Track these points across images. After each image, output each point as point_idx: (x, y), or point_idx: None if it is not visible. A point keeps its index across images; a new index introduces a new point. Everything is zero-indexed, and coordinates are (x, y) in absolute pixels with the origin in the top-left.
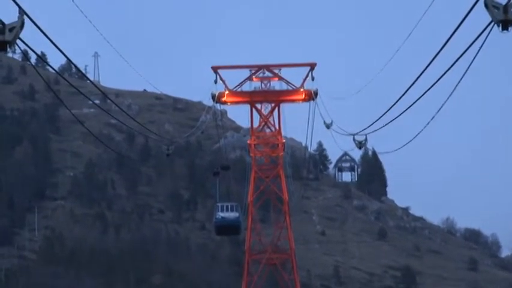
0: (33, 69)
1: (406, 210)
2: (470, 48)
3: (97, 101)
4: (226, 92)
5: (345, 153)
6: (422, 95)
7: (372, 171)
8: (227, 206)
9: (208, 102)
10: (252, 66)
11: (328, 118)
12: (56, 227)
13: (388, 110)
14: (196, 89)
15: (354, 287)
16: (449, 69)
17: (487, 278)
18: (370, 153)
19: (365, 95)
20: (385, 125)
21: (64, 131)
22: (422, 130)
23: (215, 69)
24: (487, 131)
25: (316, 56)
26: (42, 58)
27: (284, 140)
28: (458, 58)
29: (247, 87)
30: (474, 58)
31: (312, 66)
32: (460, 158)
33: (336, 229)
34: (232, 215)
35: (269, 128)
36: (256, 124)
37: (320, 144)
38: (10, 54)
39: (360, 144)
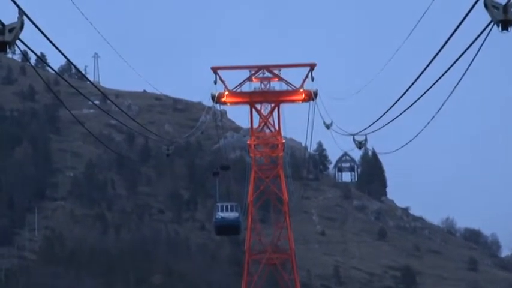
0: (33, 69)
1: (406, 210)
2: (470, 48)
3: (97, 102)
4: (226, 92)
5: (345, 154)
6: (422, 95)
7: (371, 172)
8: (227, 206)
9: (208, 102)
10: (252, 67)
11: (328, 118)
12: (56, 227)
13: (388, 110)
14: (196, 89)
15: (354, 287)
16: (449, 69)
17: (487, 278)
18: (370, 153)
19: (365, 95)
20: (385, 125)
21: (64, 131)
22: (422, 130)
23: (215, 69)
24: (487, 131)
25: (316, 56)
26: (42, 59)
27: (284, 140)
28: (458, 58)
29: (247, 87)
30: (474, 58)
31: (312, 67)
32: (460, 158)
33: (335, 229)
34: (232, 215)
35: (269, 128)
36: (256, 124)
37: (320, 145)
38: (10, 55)
39: (360, 145)
